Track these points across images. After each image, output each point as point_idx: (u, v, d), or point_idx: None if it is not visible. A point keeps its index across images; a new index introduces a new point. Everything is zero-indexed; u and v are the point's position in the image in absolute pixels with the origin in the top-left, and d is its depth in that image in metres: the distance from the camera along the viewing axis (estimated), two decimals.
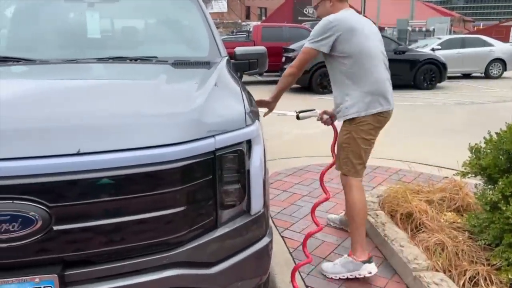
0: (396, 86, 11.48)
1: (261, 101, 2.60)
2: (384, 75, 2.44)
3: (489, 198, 2.17)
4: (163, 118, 1.48)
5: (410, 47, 14.19)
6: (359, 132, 2.39)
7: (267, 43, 11.09)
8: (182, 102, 1.61)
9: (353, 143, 2.41)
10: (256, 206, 1.68)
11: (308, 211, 3.20)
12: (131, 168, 1.35)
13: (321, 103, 8.84)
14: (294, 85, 10.69)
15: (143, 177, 1.38)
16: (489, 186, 2.30)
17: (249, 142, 1.66)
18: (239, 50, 2.73)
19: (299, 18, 32.90)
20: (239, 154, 1.59)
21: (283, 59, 11.05)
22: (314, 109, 2.67)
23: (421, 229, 2.54)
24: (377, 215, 2.78)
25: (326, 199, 2.58)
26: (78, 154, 1.31)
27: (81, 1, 2.72)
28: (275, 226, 2.96)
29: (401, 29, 23.42)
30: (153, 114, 1.50)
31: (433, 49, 13.46)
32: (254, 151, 1.66)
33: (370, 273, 2.33)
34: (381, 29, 29.58)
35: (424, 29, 22.49)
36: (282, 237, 2.81)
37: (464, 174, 2.36)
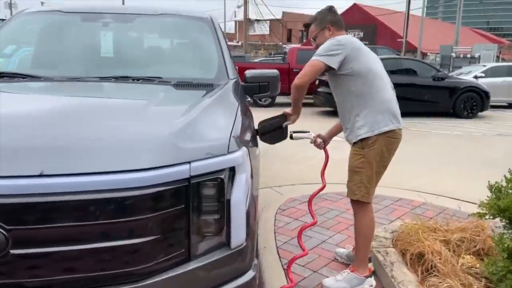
0: (434, 114, 11.09)
1: (284, 114, 2.59)
2: (392, 95, 2.45)
3: (506, 245, 1.95)
4: (135, 142, 1.43)
5: (451, 73, 13.73)
6: (373, 156, 2.34)
7: (302, 65, 11.03)
8: (161, 126, 1.55)
9: (367, 167, 2.35)
10: (237, 239, 1.57)
11: (318, 242, 3.05)
12: (95, 193, 1.30)
13: None
14: (329, 109, 10.56)
15: (108, 203, 1.31)
16: (509, 231, 2.08)
17: (232, 170, 1.57)
18: (249, 73, 2.68)
19: None
20: (219, 182, 1.50)
21: (317, 82, 10.94)
22: (309, 131, 2.69)
23: (433, 273, 2.32)
24: (387, 253, 2.59)
25: (313, 224, 2.63)
26: (41, 175, 1.27)
27: (96, 21, 2.76)
28: (279, 257, 2.82)
29: (445, 55, 22.75)
30: (126, 137, 1.45)
31: (476, 77, 12.94)
32: (237, 179, 1.57)
33: (372, 286, 2.46)
34: (424, 55, 28.98)
35: (469, 55, 21.73)
36: (285, 269, 2.67)
37: (481, 215, 2.15)
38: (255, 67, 11.94)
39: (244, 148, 1.64)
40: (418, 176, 5.14)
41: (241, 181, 1.58)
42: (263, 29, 45.72)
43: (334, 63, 2.28)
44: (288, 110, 2.58)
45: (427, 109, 10.62)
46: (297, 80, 2.37)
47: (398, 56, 14.10)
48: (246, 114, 2.23)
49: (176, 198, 1.42)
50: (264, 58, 18.75)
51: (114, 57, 2.70)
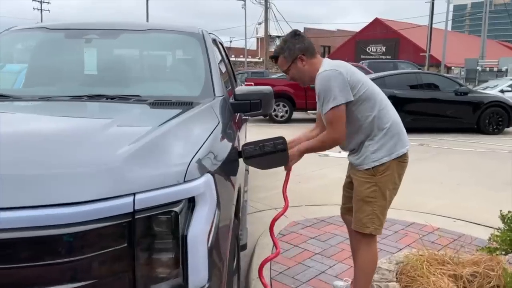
0: (457, 130, 10.62)
1: (283, 139, 2.21)
2: (397, 114, 2.23)
3: None
4: (69, 170, 1.25)
5: (477, 88, 13.24)
6: (386, 183, 2.12)
7: None
8: (108, 151, 1.38)
9: (380, 197, 2.13)
10: (196, 280, 1.37)
11: (317, 273, 2.80)
12: (16, 231, 1.12)
13: None
14: None
15: (32, 243, 1.14)
16: None
17: (192, 200, 1.38)
18: (239, 90, 2.51)
19: (362, 56, 32.51)
20: (172, 216, 1.31)
21: None
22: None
23: None
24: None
25: (276, 255, 2.41)
26: None
27: (80, 37, 2.66)
28: None
29: (470, 68, 22.09)
30: (61, 165, 1.27)
31: (502, 91, 12.42)
32: (197, 211, 1.38)
33: None
34: (448, 69, 28.29)
35: (495, 69, 21.04)
36: None
37: (491, 251, 1.88)
38: (271, 83, 11.85)
39: (208, 176, 1.45)
40: (435, 197, 4.81)
41: (202, 213, 1.39)
42: None
43: (350, 95, 2.06)
44: (294, 150, 2.25)
45: (449, 125, 10.20)
46: (336, 135, 2.09)
47: (418, 70, 13.71)
48: (228, 135, 2.05)
49: (117, 236, 1.23)
50: (281, 74, 18.63)
51: (97, 75, 2.57)
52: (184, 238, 1.33)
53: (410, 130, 11.01)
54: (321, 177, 5.53)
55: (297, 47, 2.16)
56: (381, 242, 3.27)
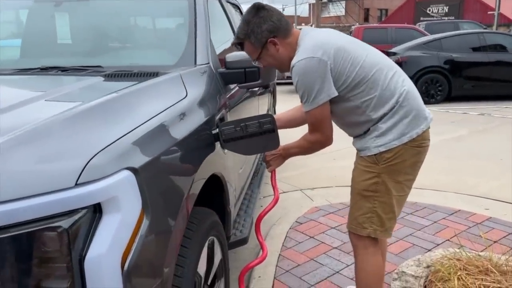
0: None
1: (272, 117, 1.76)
2: (410, 81, 1.70)
3: None
4: None
5: None
6: (393, 174, 1.63)
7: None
8: None
9: (383, 191, 1.65)
10: None
11: (330, 273, 2.38)
12: None
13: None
14: None
15: None
16: None
17: (98, 209, 1.01)
18: (230, 57, 2.08)
19: (421, 18, 30.19)
20: (59, 233, 0.95)
21: None
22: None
23: None
24: None
25: (261, 260, 2.03)
26: None
27: (50, 1, 2.32)
28: None
29: None
30: None
31: None
32: (103, 224, 1.01)
33: None
34: None
35: None
36: None
37: None
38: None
39: (124, 173, 1.06)
40: (491, 177, 4.10)
41: (112, 225, 1.02)
42: (338, 10, 43.65)
43: (332, 89, 1.59)
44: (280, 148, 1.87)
45: None
46: (323, 137, 1.69)
47: (482, 30, 12.23)
48: (199, 113, 1.64)
49: None
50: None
51: (64, 44, 2.25)
52: (81, 261, 0.97)
53: (470, 98, 9.88)
54: (349, 155, 4.97)
55: (264, 28, 1.65)
56: (414, 235, 2.75)
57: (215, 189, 1.87)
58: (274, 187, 2.11)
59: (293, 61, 1.60)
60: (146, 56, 2.07)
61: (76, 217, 0.98)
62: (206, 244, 1.62)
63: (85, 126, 1.15)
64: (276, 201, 2.03)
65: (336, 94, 1.59)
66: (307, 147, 1.77)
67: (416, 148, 1.63)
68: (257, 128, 1.69)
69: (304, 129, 1.79)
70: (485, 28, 16.62)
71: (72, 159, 1.01)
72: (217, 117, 1.81)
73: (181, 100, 1.57)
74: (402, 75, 1.67)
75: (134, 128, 1.21)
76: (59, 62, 1.89)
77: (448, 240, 2.68)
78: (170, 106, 1.47)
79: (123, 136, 1.15)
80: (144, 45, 2.18)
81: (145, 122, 1.28)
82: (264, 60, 1.74)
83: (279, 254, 2.59)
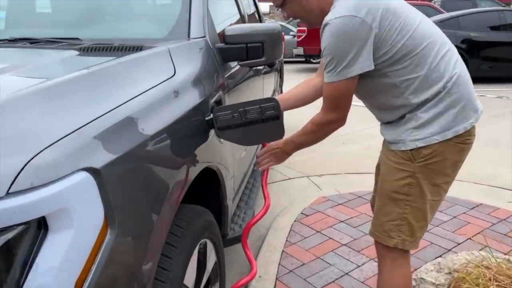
0: None
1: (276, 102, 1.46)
2: (464, 67, 1.38)
3: None
4: None
5: None
6: (430, 175, 1.35)
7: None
8: None
9: (418, 194, 1.37)
10: None
11: (339, 274, 2.14)
12: None
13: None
14: None
15: None
16: None
17: (43, 226, 0.77)
18: (230, 30, 1.80)
19: None
20: None
21: None
22: None
23: None
24: None
25: (251, 279, 1.69)
26: None
27: None
28: None
29: None
30: None
31: None
32: (48, 244, 0.77)
33: None
34: None
35: None
36: None
37: None
38: None
39: (80, 175, 0.82)
40: (510, 166, 3.82)
41: (61, 245, 0.79)
42: None
43: (368, 63, 1.27)
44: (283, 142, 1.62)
45: None
46: (337, 115, 1.39)
47: (502, 8, 11.66)
48: (189, 94, 1.38)
49: None
50: None
51: (46, 13, 1.98)
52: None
53: (488, 79, 9.46)
54: (370, 137, 4.68)
55: None
56: (432, 231, 2.50)
57: (209, 182, 1.62)
58: (264, 191, 1.83)
59: (328, 18, 1.28)
60: (133, 28, 1.80)
61: (9, 236, 0.74)
62: (197, 249, 1.38)
63: (34, 113, 0.89)
64: (266, 208, 1.75)
65: (372, 67, 1.28)
66: (316, 132, 1.47)
67: (460, 144, 1.33)
68: (258, 114, 1.42)
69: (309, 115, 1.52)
70: (503, 6, 15.95)
71: (6, 157, 0.76)
72: (212, 100, 1.54)
73: (167, 79, 1.31)
74: (455, 55, 1.36)
75: (100, 116, 0.95)
76: (35, 34, 1.62)
77: (470, 239, 2.42)
78: (152, 88, 1.20)
79: (83, 126, 0.90)
80: (130, 15, 1.90)
81: (116, 107, 1.02)
82: (289, 8, 1.43)
83: (282, 251, 2.35)
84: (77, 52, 1.43)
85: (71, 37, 1.61)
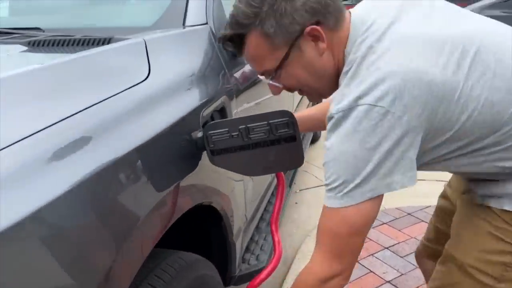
0: None
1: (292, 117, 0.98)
2: None
3: None
4: None
5: None
6: None
7: None
8: None
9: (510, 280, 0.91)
10: None
11: None
12: None
13: None
14: None
15: None
16: None
17: None
18: None
19: None
20: None
21: None
22: None
23: None
24: None
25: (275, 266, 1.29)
26: None
27: None
28: None
29: None
30: None
31: None
32: None
33: None
34: None
35: None
36: None
37: None
38: None
39: None
40: None
41: None
42: None
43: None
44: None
45: None
46: (339, 269, 0.89)
47: None
48: (175, 106, 0.98)
49: None
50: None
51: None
52: None
53: None
54: None
55: (299, 4, 0.83)
56: None
57: (208, 215, 1.23)
58: (274, 237, 1.39)
59: (333, 108, 0.81)
60: (112, 14, 1.41)
61: None
62: None
63: None
64: (277, 261, 1.29)
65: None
66: None
67: None
68: (266, 133, 0.99)
69: None
70: None
71: None
72: (210, 109, 1.12)
73: (133, 86, 0.90)
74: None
75: (16, 141, 0.58)
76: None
77: None
78: (107, 98, 0.81)
79: None
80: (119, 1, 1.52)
81: (45, 128, 0.64)
82: (289, 74, 0.93)
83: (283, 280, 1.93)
84: (23, 48, 1.06)
85: (31, 26, 1.25)
